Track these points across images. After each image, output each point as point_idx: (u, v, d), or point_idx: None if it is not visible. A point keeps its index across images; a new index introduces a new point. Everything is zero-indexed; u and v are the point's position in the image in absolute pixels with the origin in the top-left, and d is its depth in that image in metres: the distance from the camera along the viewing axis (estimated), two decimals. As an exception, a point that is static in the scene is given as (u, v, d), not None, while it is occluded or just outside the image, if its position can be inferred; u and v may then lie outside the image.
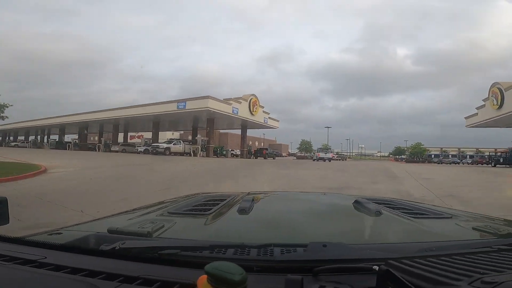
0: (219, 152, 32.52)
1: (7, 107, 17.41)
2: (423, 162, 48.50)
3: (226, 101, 27.38)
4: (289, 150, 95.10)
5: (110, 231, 0.75)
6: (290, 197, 1.79)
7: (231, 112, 27.71)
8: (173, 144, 27.33)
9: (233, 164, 16.86)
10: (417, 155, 53.60)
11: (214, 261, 0.48)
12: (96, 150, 37.64)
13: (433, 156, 53.34)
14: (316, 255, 0.59)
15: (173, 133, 55.78)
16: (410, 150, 57.62)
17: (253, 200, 1.14)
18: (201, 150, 27.47)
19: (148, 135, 39.47)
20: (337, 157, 59.29)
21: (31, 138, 56.66)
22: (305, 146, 66.48)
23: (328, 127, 61.11)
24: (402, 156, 66.53)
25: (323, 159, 34.27)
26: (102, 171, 10.55)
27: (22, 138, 60.19)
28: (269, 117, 35.96)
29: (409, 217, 0.99)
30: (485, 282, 0.40)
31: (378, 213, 1.01)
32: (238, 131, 57.06)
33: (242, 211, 1.00)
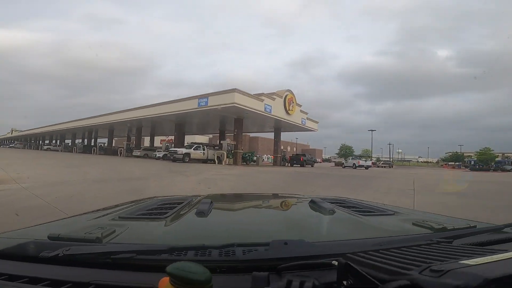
0: (248, 159, 27.22)
1: None
2: (495, 170, 39.11)
3: (257, 96, 21.95)
4: (323, 156, 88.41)
5: (51, 237, 0.69)
6: (248, 198, 1.76)
7: (263, 110, 22.24)
8: (193, 149, 22.37)
9: (266, 179, 11.33)
10: (484, 162, 43.97)
11: (178, 262, 0.47)
12: (119, 155, 34.56)
13: (493, 163, 43.62)
14: (278, 253, 0.59)
15: (187, 137, 51.59)
16: (476, 156, 47.84)
17: (211, 202, 1.08)
18: (228, 157, 22.30)
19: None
20: (382, 164, 51.53)
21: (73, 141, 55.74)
22: (345, 151, 58.98)
23: (372, 130, 53.20)
24: (458, 163, 56.56)
25: (362, 167, 31.34)
26: (61, 191, 6.03)
27: (60, 141, 60.35)
28: (307, 118, 29.99)
29: (359, 215, 1.04)
30: (433, 270, 0.43)
31: (332, 212, 1.04)
32: (269, 135, 51.59)
33: (200, 213, 0.95)
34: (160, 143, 53.58)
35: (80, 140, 53.72)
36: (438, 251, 0.55)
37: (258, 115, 22.39)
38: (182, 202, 1.17)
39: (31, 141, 68.88)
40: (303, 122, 29.06)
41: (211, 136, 59.14)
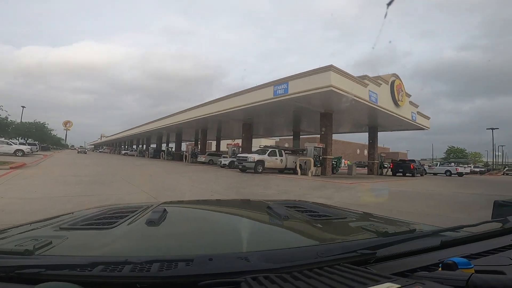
0: (335, 166, 20.13)
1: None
2: None
3: (360, 80, 14.76)
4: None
5: None
6: (207, 206, 1.57)
7: (367, 98, 14.91)
8: (268, 155, 16.25)
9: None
10: None
11: (46, 282, 0.47)
12: (183, 160, 31.03)
13: None
14: (200, 270, 0.57)
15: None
16: None
17: (164, 210, 0.99)
18: (314, 165, 15.60)
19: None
20: (506, 171, 38.13)
21: (147, 146, 56.40)
22: (455, 154, 46.22)
23: (493, 129, 39.92)
24: None
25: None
26: None
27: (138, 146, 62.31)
28: (417, 112, 21.37)
29: (310, 220, 1.02)
30: None
31: (286, 218, 0.99)
32: (342, 136, 42.86)
33: (150, 223, 0.88)
34: (226, 147, 49.71)
35: (155, 145, 53.48)
36: (337, 277, 0.54)
37: (360, 105, 15.15)
38: (136, 211, 1.07)
39: (115, 146, 73.54)
40: (413, 118, 20.57)
41: (277, 139, 53.14)
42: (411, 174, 20.95)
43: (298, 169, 15.93)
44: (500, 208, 1.10)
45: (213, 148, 39.72)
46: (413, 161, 22.33)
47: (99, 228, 0.88)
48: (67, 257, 0.64)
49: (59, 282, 0.46)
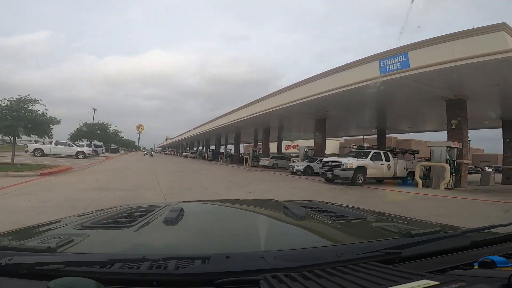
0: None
1: (57, 123, 12.38)
2: None
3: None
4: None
5: (1, 247, 0.65)
6: (222, 205, 1.54)
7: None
8: (371, 160, 11.02)
9: None
10: None
11: (61, 277, 0.47)
12: (244, 164, 27.21)
13: None
14: (217, 267, 0.55)
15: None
16: None
17: (181, 209, 0.97)
18: (452, 173, 9.89)
19: (306, 143, 25.45)
20: None
21: (206, 148, 55.25)
22: None
23: None
24: None
25: None
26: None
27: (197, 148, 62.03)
28: None
29: (329, 220, 0.98)
30: None
31: (303, 218, 0.96)
32: (418, 135, 34.26)
33: (168, 221, 0.87)
34: (286, 150, 44.98)
35: (214, 147, 51.70)
36: (363, 275, 0.51)
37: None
38: (154, 210, 1.04)
39: (179, 148, 75.21)
40: None
41: (342, 140, 46.33)
42: None
43: (418, 179, 10.40)
44: None
45: (272, 150, 35.53)
46: None
47: (118, 227, 0.88)
48: (87, 254, 0.63)
49: (76, 277, 0.47)
